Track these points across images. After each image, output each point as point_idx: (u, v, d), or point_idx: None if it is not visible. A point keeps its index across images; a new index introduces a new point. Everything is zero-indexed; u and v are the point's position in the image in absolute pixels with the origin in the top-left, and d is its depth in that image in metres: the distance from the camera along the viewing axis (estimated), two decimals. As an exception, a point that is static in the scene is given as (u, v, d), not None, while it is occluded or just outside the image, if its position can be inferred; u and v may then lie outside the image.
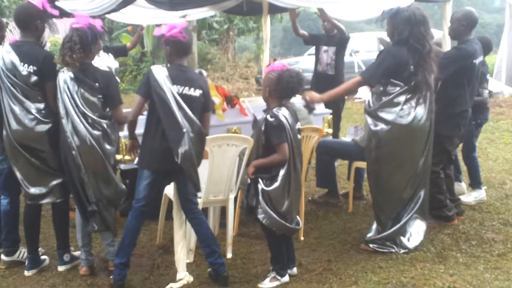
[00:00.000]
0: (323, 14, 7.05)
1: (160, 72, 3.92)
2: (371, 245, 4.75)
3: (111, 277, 4.18)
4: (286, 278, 4.21)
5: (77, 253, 4.61)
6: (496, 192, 6.29)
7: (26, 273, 4.48)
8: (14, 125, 4.20)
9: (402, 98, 4.56)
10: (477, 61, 5.14)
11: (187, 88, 3.95)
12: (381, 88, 4.65)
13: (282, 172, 3.99)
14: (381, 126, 4.63)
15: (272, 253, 4.25)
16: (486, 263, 4.46)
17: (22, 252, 4.67)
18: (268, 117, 3.99)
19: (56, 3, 4.62)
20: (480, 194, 6.02)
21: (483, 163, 7.53)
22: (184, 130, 3.90)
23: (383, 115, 4.62)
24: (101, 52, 5.98)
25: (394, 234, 4.72)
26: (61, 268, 4.50)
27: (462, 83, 5.11)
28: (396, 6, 4.64)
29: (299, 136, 4.13)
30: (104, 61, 6.06)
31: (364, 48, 15.68)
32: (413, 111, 4.57)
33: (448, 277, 4.21)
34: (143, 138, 4.11)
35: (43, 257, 4.62)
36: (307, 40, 7.85)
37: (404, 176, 4.72)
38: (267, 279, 4.20)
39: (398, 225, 4.72)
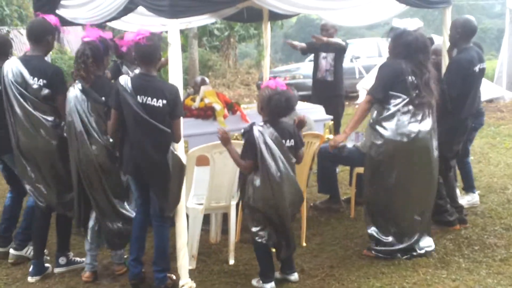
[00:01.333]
0: (318, 39, 7.15)
1: (124, 82, 3.95)
2: (374, 252, 4.74)
3: None
4: (267, 285, 4.21)
5: (76, 259, 4.67)
6: (498, 197, 6.27)
7: (30, 279, 4.51)
8: (22, 138, 4.29)
9: (403, 111, 4.57)
10: (476, 68, 5.13)
11: (149, 98, 3.93)
12: (383, 103, 4.66)
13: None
14: (380, 141, 4.64)
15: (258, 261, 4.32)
16: (488, 268, 4.44)
17: (30, 249, 4.78)
18: (244, 129, 4.11)
19: (57, 11, 4.65)
20: (473, 198, 6.01)
21: (484, 168, 7.53)
22: (146, 141, 3.93)
23: (381, 130, 4.63)
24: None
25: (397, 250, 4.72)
26: (56, 270, 4.58)
27: (464, 93, 5.11)
28: (403, 25, 4.68)
29: (283, 156, 4.07)
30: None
31: (365, 54, 15.71)
32: (416, 127, 4.58)
33: (450, 283, 4.21)
34: (122, 144, 4.16)
35: (46, 265, 4.64)
36: (305, 50, 7.88)
37: (403, 195, 4.72)
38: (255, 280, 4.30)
39: (402, 245, 4.72)
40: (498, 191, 6.50)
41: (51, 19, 4.44)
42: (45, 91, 4.25)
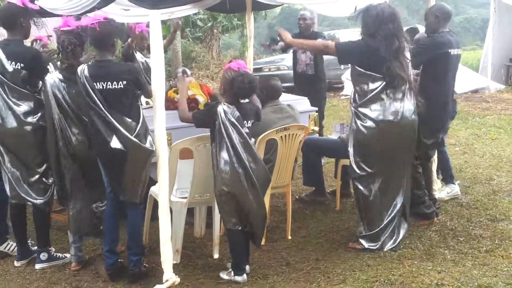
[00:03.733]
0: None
1: (80, 71, 4.01)
2: (361, 241, 4.72)
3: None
4: (239, 278, 4.23)
5: (58, 255, 4.64)
6: (483, 188, 6.28)
7: (16, 263, 4.60)
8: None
9: (386, 92, 4.54)
10: (452, 51, 5.11)
11: (109, 83, 3.98)
12: (363, 85, 4.61)
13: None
14: (369, 123, 4.59)
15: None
16: (474, 260, 4.44)
17: (9, 245, 4.78)
18: (208, 103, 4.29)
19: (36, 2, 4.55)
20: (452, 189, 5.99)
21: (469, 159, 7.55)
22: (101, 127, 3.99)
23: (368, 112, 4.58)
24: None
25: (381, 234, 4.69)
26: (37, 266, 4.54)
27: (439, 74, 5.09)
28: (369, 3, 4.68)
29: (245, 138, 4.10)
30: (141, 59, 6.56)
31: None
32: (399, 107, 4.54)
33: (436, 274, 4.20)
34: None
35: (33, 248, 4.66)
36: (284, 48, 7.77)
37: (392, 176, 4.70)
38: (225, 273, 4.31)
39: (386, 226, 4.70)
40: (484, 182, 6.51)
41: (16, 0, 4.39)
42: (22, 73, 4.28)
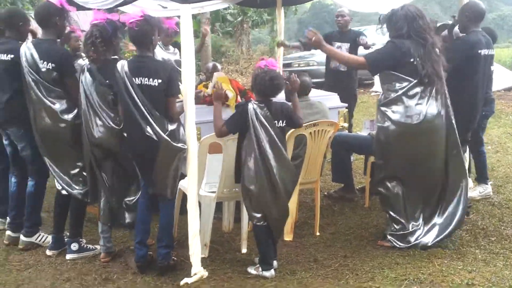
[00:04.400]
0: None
1: (121, 67, 4.06)
2: (389, 238, 4.68)
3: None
4: (266, 273, 4.22)
5: (89, 246, 4.70)
6: (516, 188, 6.18)
7: (48, 252, 4.67)
8: (38, 121, 4.43)
9: (410, 94, 4.49)
10: (482, 51, 5.04)
11: (146, 79, 4.03)
12: (389, 84, 4.59)
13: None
14: (388, 123, 4.57)
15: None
16: (505, 260, 4.37)
17: (41, 236, 4.85)
18: (239, 103, 4.31)
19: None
20: (485, 189, 5.91)
21: (502, 158, 7.44)
22: (142, 124, 4.02)
23: (389, 113, 4.56)
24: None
25: (409, 235, 4.65)
26: (68, 257, 4.60)
27: (467, 75, 5.02)
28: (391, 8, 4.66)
29: (273, 138, 4.09)
30: (161, 54, 6.50)
31: (380, 41, 15.52)
32: (423, 109, 4.49)
33: (466, 274, 4.14)
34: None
35: (66, 239, 4.72)
36: (306, 47, 7.70)
37: (418, 179, 4.65)
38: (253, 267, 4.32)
39: (416, 227, 4.66)
40: (516, 181, 6.40)
41: (55, 0, 4.45)
42: (53, 73, 4.35)
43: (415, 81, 4.48)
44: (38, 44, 4.46)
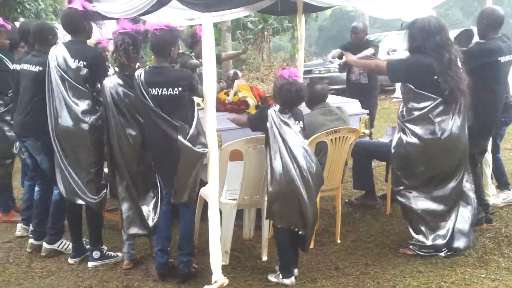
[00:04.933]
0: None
1: (137, 76, 4.12)
2: (411, 247, 4.65)
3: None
4: (287, 281, 4.21)
5: (110, 253, 4.73)
6: (539, 194, 6.07)
7: (70, 260, 4.71)
8: (59, 122, 4.44)
9: (435, 112, 4.47)
10: (502, 58, 4.95)
11: (165, 89, 4.06)
12: (412, 102, 4.56)
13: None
14: (412, 139, 4.56)
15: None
16: (530, 268, 4.31)
17: (63, 243, 4.90)
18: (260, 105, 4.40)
19: (91, 5, 4.66)
20: (508, 196, 5.83)
21: (525, 165, 7.33)
22: (157, 131, 4.06)
23: (414, 129, 4.54)
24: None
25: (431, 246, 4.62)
26: (90, 264, 4.64)
27: (487, 82, 4.93)
28: (414, 16, 4.63)
29: (300, 136, 4.17)
30: None
31: (401, 47, 15.44)
32: (449, 125, 4.47)
33: (489, 282, 4.09)
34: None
35: (87, 247, 4.77)
36: (341, 68, 7.66)
37: (437, 190, 4.63)
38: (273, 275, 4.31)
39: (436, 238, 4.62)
40: (540, 188, 6.29)
41: (77, 5, 4.51)
42: (84, 70, 4.40)
43: (440, 99, 4.45)
44: (69, 45, 4.51)
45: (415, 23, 4.55)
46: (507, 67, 5.09)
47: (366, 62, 5.31)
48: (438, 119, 4.48)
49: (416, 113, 4.53)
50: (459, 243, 4.64)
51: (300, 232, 4.16)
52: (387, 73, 4.72)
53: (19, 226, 5.40)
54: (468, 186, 4.80)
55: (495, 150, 5.81)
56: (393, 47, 15.09)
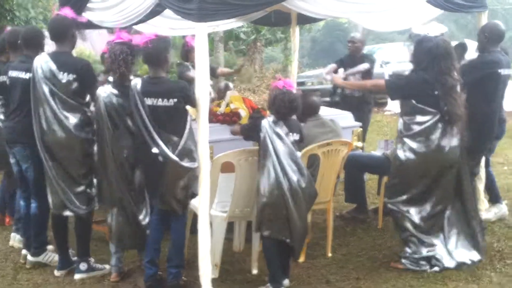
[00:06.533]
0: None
1: (134, 86, 4.10)
2: (403, 261, 4.61)
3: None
4: None
5: (98, 265, 4.66)
6: (531, 209, 6.07)
7: (56, 272, 4.62)
8: (47, 133, 4.37)
9: (434, 128, 4.48)
10: (502, 71, 5.01)
11: (160, 99, 4.05)
12: (412, 116, 4.56)
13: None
14: (410, 154, 4.56)
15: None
16: (522, 284, 4.28)
17: (48, 255, 4.81)
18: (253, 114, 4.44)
19: (83, 14, 4.63)
20: (500, 210, 5.81)
21: (516, 178, 7.33)
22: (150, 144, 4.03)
23: (412, 145, 4.54)
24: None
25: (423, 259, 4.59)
26: (76, 276, 4.56)
27: (487, 94, 4.98)
28: (426, 32, 4.61)
29: (292, 150, 4.12)
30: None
31: (395, 59, 15.49)
32: (447, 143, 4.49)
33: (482, 298, 4.06)
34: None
35: (74, 258, 4.70)
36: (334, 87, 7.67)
37: (431, 203, 4.63)
38: None
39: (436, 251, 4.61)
40: (532, 202, 6.29)
41: (67, 13, 4.48)
42: (74, 84, 4.33)
43: (439, 115, 4.46)
44: (55, 56, 4.41)
45: (423, 42, 4.54)
46: (506, 80, 5.14)
47: (361, 84, 5.28)
48: (436, 135, 4.48)
49: (416, 127, 4.53)
50: (450, 262, 4.60)
51: (287, 240, 4.12)
52: (387, 92, 4.75)
53: (13, 235, 5.32)
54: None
55: (486, 164, 5.81)
56: (387, 59, 15.12)
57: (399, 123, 4.73)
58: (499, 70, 4.99)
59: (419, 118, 4.51)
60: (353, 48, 7.36)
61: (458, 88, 4.51)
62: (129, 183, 4.29)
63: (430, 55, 4.47)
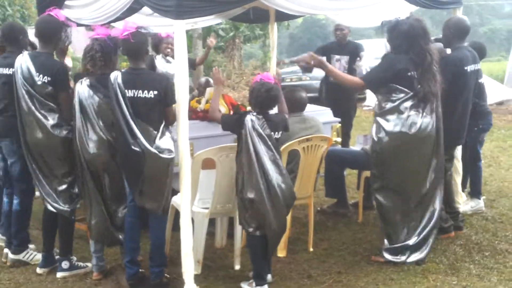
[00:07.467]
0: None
1: (114, 78, 4.06)
2: (384, 253, 4.66)
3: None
4: None
5: (80, 264, 4.64)
6: (509, 202, 6.17)
7: (38, 270, 4.59)
8: (28, 133, 4.37)
9: (407, 105, 4.51)
10: (468, 68, 5.00)
11: (140, 91, 4.04)
12: (386, 95, 4.60)
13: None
14: (383, 134, 4.59)
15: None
16: (499, 275, 4.36)
17: (29, 253, 4.78)
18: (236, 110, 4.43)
19: (61, 11, 4.60)
20: (477, 204, 5.88)
21: (495, 172, 7.44)
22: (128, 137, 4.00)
23: (384, 124, 4.57)
24: (159, 57, 6.82)
25: (404, 248, 4.63)
26: (59, 275, 4.53)
27: (454, 92, 4.93)
28: (396, 16, 4.65)
29: (273, 151, 4.09)
30: (161, 66, 6.70)
31: (373, 55, 15.57)
32: (419, 120, 4.51)
33: (461, 289, 4.12)
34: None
35: (57, 257, 4.65)
36: (306, 68, 7.68)
37: (412, 190, 4.66)
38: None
39: (410, 241, 4.65)
40: (509, 196, 6.41)
41: (59, 15, 4.46)
42: (48, 87, 4.32)
43: (412, 93, 4.50)
44: (35, 57, 4.40)
45: (397, 26, 4.57)
46: (474, 76, 5.14)
47: (342, 75, 5.12)
48: (408, 113, 4.51)
49: (388, 105, 4.56)
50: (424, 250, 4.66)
51: (258, 233, 4.14)
52: (367, 86, 4.82)
53: None
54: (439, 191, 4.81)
55: (477, 158, 5.89)
56: (368, 53, 15.15)
57: (374, 105, 4.78)
58: (466, 68, 4.98)
59: (393, 97, 4.55)
60: (342, 35, 7.36)
61: (435, 66, 4.55)
62: (105, 180, 4.31)
63: (408, 37, 4.50)
